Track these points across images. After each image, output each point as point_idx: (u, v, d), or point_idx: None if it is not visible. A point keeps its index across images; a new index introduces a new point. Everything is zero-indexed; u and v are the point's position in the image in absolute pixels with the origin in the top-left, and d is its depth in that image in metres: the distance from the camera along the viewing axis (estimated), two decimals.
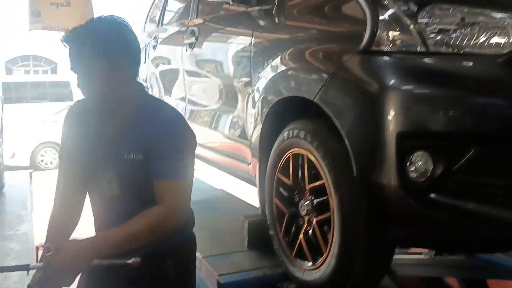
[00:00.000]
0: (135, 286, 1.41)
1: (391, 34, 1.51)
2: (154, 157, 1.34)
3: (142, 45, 3.92)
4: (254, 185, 2.29)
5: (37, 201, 3.39)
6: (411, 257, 2.13)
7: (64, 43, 1.35)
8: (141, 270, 1.29)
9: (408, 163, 1.44)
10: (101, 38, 1.33)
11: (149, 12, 4.05)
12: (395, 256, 2.02)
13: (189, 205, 1.42)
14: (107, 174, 1.40)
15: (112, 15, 1.40)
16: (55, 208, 1.46)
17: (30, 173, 4.12)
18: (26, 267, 1.23)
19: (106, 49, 1.33)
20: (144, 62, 3.79)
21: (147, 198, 1.36)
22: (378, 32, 1.51)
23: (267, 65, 2.01)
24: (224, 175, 2.78)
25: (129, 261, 1.24)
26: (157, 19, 3.77)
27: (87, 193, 1.49)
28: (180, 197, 1.36)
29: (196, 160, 3.17)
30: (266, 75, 2.01)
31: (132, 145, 1.36)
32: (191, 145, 1.42)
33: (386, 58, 1.51)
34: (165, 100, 3.34)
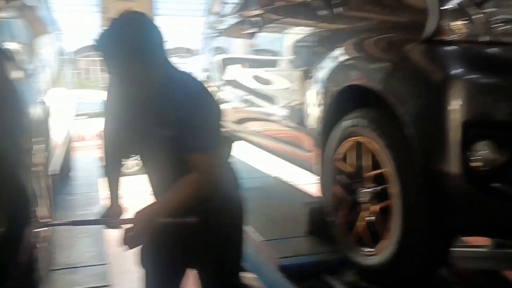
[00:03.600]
0: (189, 240, 1.63)
1: (455, 23, 1.50)
2: (184, 132, 1.46)
3: (203, 37, 4.04)
4: (313, 173, 2.34)
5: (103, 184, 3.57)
6: (470, 250, 2.11)
7: (96, 51, 1.42)
8: (193, 228, 1.52)
9: (472, 152, 1.44)
10: (129, 41, 1.38)
11: (209, 4, 4.15)
12: (455, 249, 2.01)
13: (220, 170, 1.59)
14: (143, 147, 1.58)
15: (131, 12, 1.46)
16: (108, 160, 1.69)
17: (99, 158, 4.33)
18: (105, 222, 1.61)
19: (135, 50, 1.39)
20: (206, 52, 3.90)
21: (183, 169, 1.51)
22: (442, 21, 1.50)
23: (329, 56, 2.04)
24: (280, 163, 2.84)
25: (189, 220, 1.50)
26: (217, 10, 3.86)
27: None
28: (211, 166, 1.52)
29: (253, 148, 3.26)
30: (327, 65, 2.05)
31: (166, 121, 1.47)
32: (217, 116, 1.56)
33: (451, 47, 1.51)
34: (225, 90, 3.44)
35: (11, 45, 1.54)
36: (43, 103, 1.85)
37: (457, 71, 1.46)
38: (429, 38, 1.53)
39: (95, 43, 1.41)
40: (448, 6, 1.52)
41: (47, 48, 2.40)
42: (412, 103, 1.58)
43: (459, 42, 1.50)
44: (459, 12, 1.51)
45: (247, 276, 3.15)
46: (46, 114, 1.96)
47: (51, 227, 2.01)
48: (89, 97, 9.36)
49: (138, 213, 1.50)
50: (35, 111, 1.58)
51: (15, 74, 1.48)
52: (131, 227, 1.49)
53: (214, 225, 1.62)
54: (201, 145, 1.48)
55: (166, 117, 1.47)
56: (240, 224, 1.76)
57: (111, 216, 1.65)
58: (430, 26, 1.53)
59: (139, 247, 1.62)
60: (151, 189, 1.68)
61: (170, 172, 1.55)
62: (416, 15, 1.63)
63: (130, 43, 1.37)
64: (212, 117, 1.53)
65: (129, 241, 1.49)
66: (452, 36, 1.50)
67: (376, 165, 1.77)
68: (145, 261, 1.75)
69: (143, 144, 1.58)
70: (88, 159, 4.42)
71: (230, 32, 3.43)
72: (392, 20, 1.78)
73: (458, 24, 1.50)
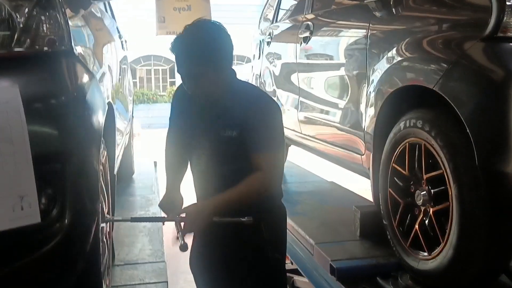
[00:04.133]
0: (237, 240, 1.67)
1: None
2: (251, 133, 1.54)
3: (256, 42, 4.11)
4: (366, 176, 2.32)
5: (162, 187, 3.72)
6: None
7: (172, 51, 1.54)
8: (244, 227, 1.57)
9: None
10: (207, 46, 1.50)
11: (263, 11, 4.22)
12: None
13: (282, 171, 1.69)
14: (199, 151, 1.64)
15: (208, 21, 1.59)
16: (168, 158, 1.78)
17: (155, 162, 4.51)
18: (162, 219, 1.71)
19: (212, 57, 1.51)
20: (259, 58, 3.97)
21: (229, 172, 1.60)
22: (505, 18, 1.46)
23: (383, 57, 2.03)
24: (335, 168, 2.84)
25: (244, 219, 1.55)
26: (270, 17, 3.92)
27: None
28: (275, 166, 1.59)
29: (308, 154, 3.26)
30: (382, 66, 2.03)
31: (228, 124, 1.56)
32: (278, 119, 1.64)
33: None
34: (278, 93, 3.48)
35: (81, 51, 1.64)
36: (110, 105, 1.96)
37: None
38: (491, 35, 1.49)
39: (174, 45, 1.53)
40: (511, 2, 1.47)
41: (112, 56, 2.53)
42: (472, 103, 1.54)
43: None
44: None
45: (300, 280, 3.15)
46: (112, 117, 2.07)
47: (113, 225, 2.12)
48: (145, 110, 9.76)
49: (195, 207, 1.55)
50: (102, 113, 1.68)
51: (85, 78, 1.58)
52: (185, 219, 1.55)
53: (267, 226, 1.66)
54: (267, 145, 1.56)
55: (233, 118, 1.56)
56: (285, 234, 1.84)
57: (168, 207, 1.72)
58: (492, 23, 1.49)
59: (189, 249, 1.68)
60: (199, 194, 1.73)
61: (227, 175, 1.60)
62: (477, 13, 1.59)
63: (208, 48, 1.49)
64: (276, 119, 1.62)
65: (183, 234, 1.54)
66: None
67: (433, 166, 1.74)
68: (194, 263, 1.81)
69: (205, 145, 1.64)
70: (148, 162, 4.60)
71: (283, 37, 3.47)
72: (451, 19, 1.74)
73: None
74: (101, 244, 1.67)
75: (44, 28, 1.52)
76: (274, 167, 1.57)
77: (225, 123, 1.57)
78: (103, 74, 1.99)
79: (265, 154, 1.55)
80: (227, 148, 1.58)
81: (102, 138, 1.71)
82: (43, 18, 1.52)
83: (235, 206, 1.56)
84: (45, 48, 1.49)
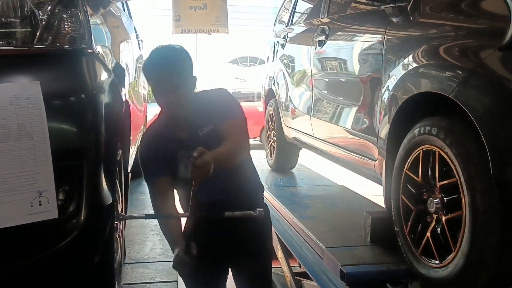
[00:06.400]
0: (246, 233, 1.87)
1: None
2: (219, 116, 1.79)
3: (270, 45, 4.12)
4: (378, 182, 2.32)
5: None
6: None
7: (150, 75, 1.75)
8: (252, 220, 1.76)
9: None
10: (182, 56, 1.77)
11: (278, 14, 4.23)
12: None
13: (249, 138, 1.91)
14: (187, 160, 1.68)
15: (171, 44, 1.82)
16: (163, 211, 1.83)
17: None
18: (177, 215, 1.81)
19: (187, 65, 1.78)
20: (273, 60, 3.98)
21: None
22: None
23: (399, 63, 2.03)
24: (347, 173, 2.84)
25: (255, 213, 1.71)
26: (285, 19, 3.93)
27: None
28: (243, 131, 1.86)
29: (318, 158, 3.26)
30: (398, 72, 2.03)
31: (204, 121, 1.80)
32: (230, 94, 2.00)
33: None
34: (291, 96, 3.48)
35: (100, 50, 1.67)
36: (126, 104, 1.98)
37: None
38: (509, 44, 1.48)
39: (150, 67, 1.74)
40: None
41: (129, 54, 2.56)
42: (488, 111, 1.53)
43: None
44: None
45: (308, 283, 3.15)
46: (128, 115, 2.09)
47: (125, 223, 2.14)
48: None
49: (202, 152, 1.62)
50: (120, 111, 1.70)
51: (104, 76, 1.60)
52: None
53: (262, 217, 1.81)
54: (231, 114, 1.83)
55: (205, 115, 1.80)
56: (270, 229, 2.10)
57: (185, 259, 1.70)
58: (510, 33, 1.48)
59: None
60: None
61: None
62: (494, 21, 1.59)
63: (183, 58, 1.76)
64: (228, 94, 1.96)
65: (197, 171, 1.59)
66: None
67: (447, 174, 1.73)
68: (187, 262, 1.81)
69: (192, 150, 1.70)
70: None
71: (297, 40, 3.48)
72: (468, 27, 1.74)
73: None
74: (115, 241, 1.69)
75: (66, 26, 1.54)
76: (242, 131, 1.84)
77: (202, 122, 1.81)
78: (121, 72, 2.02)
79: (232, 120, 1.81)
80: (213, 141, 1.74)
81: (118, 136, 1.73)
82: (64, 16, 1.54)
83: (227, 161, 1.73)
84: (66, 46, 1.51)
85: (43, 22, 1.51)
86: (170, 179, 1.79)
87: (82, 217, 1.37)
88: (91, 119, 1.43)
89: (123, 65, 2.16)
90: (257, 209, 1.73)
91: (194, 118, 1.81)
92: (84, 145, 1.40)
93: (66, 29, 1.54)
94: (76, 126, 1.40)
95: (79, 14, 1.55)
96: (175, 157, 1.62)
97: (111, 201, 1.50)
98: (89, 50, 1.55)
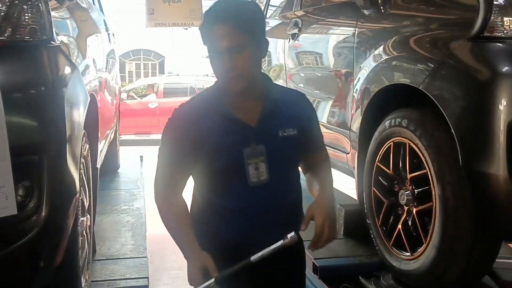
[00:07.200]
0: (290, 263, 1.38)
1: (506, 19, 1.45)
2: (307, 132, 1.33)
3: None
4: (351, 175, 2.31)
5: (147, 181, 3.68)
6: None
7: (208, 20, 1.25)
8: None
9: None
10: (253, 13, 1.27)
11: None
12: (502, 260, 1.93)
13: None
14: (254, 160, 1.28)
15: None
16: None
17: (141, 157, 4.47)
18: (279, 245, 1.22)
19: (257, 26, 1.27)
20: None
21: (292, 180, 1.36)
22: (492, 17, 1.46)
23: (370, 55, 2.02)
24: None
25: (286, 240, 1.22)
26: None
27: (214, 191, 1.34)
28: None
29: None
30: (369, 64, 2.02)
31: (285, 122, 1.30)
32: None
33: (499, 44, 1.46)
34: None
35: (64, 42, 1.61)
36: (93, 98, 1.92)
37: (505, 69, 1.42)
38: (478, 35, 1.49)
39: (211, 13, 1.25)
40: (499, 1, 1.47)
41: (97, 48, 2.49)
42: (457, 103, 1.54)
43: (508, 39, 1.46)
44: (510, 8, 1.46)
45: None
46: (95, 110, 2.03)
47: (94, 219, 2.08)
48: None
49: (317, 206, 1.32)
50: (84, 105, 1.64)
51: (67, 69, 1.55)
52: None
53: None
54: (322, 141, 1.46)
55: (288, 115, 1.32)
56: None
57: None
58: (479, 23, 1.48)
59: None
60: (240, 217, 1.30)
61: (284, 181, 1.33)
62: (464, 12, 1.59)
63: (254, 15, 1.27)
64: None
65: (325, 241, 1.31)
66: (501, 33, 1.46)
67: (417, 166, 1.73)
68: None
69: (260, 152, 1.29)
70: (133, 157, 4.56)
71: (271, 34, 3.45)
72: (439, 18, 1.74)
73: (508, 21, 1.46)
74: (80, 238, 1.64)
75: (26, 17, 1.48)
76: (326, 150, 1.49)
77: (282, 121, 1.30)
78: (87, 66, 1.95)
79: (323, 149, 1.46)
80: (289, 149, 1.31)
81: (83, 131, 1.68)
82: (25, 7, 1.48)
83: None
84: (27, 38, 1.45)
85: (2, 13, 1.44)
86: (203, 166, 1.29)
87: (43, 214, 1.32)
88: (51, 113, 1.37)
89: (90, 59, 2.10)
90: (288, 235, 1.23)
91: (271, 107, 1.29)
92: (43, 140, 1.34)
93: (27, 20, 1.48)
94: (35, 120, 1.34)
95: (40, 5, 1.48)
96: (232, 146, 1.25)
97: (74, 196, 1.45)
98: (50, 42, 1.49)
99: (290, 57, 2.98)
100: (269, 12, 3.69)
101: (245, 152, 1.27)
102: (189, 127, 1.28)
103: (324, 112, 2.54)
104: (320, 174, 1.43)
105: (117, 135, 4.09)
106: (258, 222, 1.30)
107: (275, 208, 1.31)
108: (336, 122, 2.37)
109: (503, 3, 1.47)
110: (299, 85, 2.91)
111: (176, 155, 1.30)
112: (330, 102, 2.45)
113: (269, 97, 1.30)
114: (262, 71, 1.35)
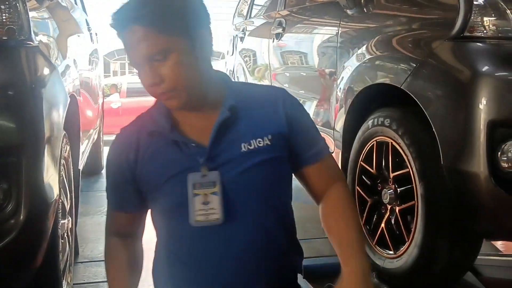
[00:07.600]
0: None
1: (486, 19, 1.46)
2: (291, 136, 0.98)
3: (230, 38, 4.07)
4: None
5: None
6: (500, 259, 2.05)
7: (122, 26, 0.93)
8: None
9: (500, 153, 1.40)
10: (169, 2, 0.92)
11: (237, 6, 4.19)
12: (484, 257, 1.95)
13: None
14: (203, 190, 0.94)
15: None
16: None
17: None
18: None
19: (184, 14, 0.92)
20: (232, 54, 3.93)
21: (268, 221, 1.00)
22: (472, 18, 1.47)
23: (353, 54, 2.03)
24: None
25: None
26: (244, 12, 3.89)
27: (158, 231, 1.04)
28: (338, 166, 1.09)
29: None
30: (352, 63, 2.03)
31: (249, 133, 0.96)
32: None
33: (479, 44, 1.48)
34: None
35: (43, 42, 1.58)
36: (73, 99, 1.90)
37: (484, 68, 1.43)
38: (458, 35, 1.50)
39: (118, 15, 0.94)
40: (480, 1, 1.48)
41: (78, 48, 2.46)
42: (438, 102, 1.55)
43: (489, 39, 1.47)
44: (490, 8, 1.47)
45: None
46: (76, 111, 2.01)
47: (76, 220, 2.05)
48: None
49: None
50: (63, 106, 1.62)
51: (45, 69, 1.52)
52: None
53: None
54: (323, 145, 1.05)
55: (256, 124, 0.97)
56: None
57: None
58: (459, 23, 1.49)
59: None
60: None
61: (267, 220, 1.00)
62: (446, 12, 1.60)
63: (179, 12, 0.91)
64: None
65: None
66: (481, 33, 1.47)
67: (400, 165, 1.74)
68: None
69: (226, 178, 0.94)
70: None
71: (256, 33, 3.45)
72: (421, 18, 1.75)
73: (488, 20, 1.47)
74: (61, 240, 1.61)
75: (3, 17, 1.46)
76: (339, 168, 1.11)
77: (246, 132, 0.96)
78: (67, 66, 1.93)
79: (327, 156, 1.05)
80: (259, 170, 0.95)
81: (64, 132, 1.65)
82: (2, 7, 1.45)
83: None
84: (4, 38, 1.43)
85: None
86: (150, 202, 1.01)
87: (22, 217, 1.30)
88: (29, 113, 1.35)
89: (71, 59, 2.07)
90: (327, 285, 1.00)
91: (228, 115, 0.95)
92: (21, 141, 1.32)
93: (4, 20, 1.45)
94: (12, 121, 1.31)
95: (18, 5, 1.46)
96: (176, 176, 0.95)
97: (53, 199, 1.43)
98: (28, 42, 1.46)
99: (275, 57, 2.98)
100: (254, 12, 3.69)
101: (190, 179, 0.94)
102: (128, 155, 0.99)
103: (308, 112, 2.54)
104: (338, 211, 1.04)
105: (101, 135, 4.06)
106: (218, 279, 0.97)
107: (239, 261, 0.96)
108: (320, 121, 2.38)
109: (483, 4, 1.48)
110: (284, 84, 2.91)
111: (116, 190, 1.04)
112: (315, 102, 2.45)
113: (226, 103, 0.96)
114: (217, 69, 1.02)
